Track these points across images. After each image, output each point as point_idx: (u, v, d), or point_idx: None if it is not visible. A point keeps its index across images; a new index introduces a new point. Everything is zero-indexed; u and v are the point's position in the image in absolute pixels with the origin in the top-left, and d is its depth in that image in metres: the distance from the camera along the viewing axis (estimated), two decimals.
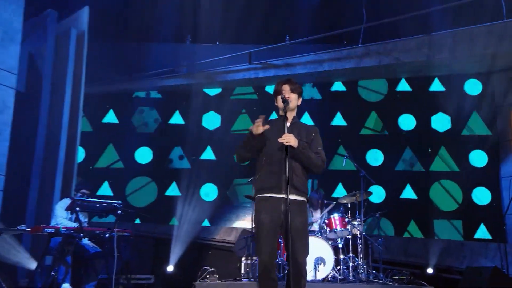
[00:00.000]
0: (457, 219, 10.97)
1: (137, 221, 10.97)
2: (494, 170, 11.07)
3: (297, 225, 4.31)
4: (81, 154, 11.47)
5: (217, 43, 11.81)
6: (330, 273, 7.46)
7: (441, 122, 11.45)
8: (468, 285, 7.35)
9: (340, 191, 11.01)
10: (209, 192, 11.49)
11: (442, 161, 11.32)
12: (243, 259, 8.32)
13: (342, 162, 8.92)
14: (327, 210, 8.48)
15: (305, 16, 10.78)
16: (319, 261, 7.41)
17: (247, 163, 4.87)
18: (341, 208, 8.52)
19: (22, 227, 6.86)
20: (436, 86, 11.58)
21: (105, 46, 11.19)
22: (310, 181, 10.95)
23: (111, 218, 7.08)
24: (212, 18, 10.73)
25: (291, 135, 4.41)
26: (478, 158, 11.22)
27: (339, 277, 7.44)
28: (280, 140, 4.35)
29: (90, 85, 10.39)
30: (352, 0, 10.62)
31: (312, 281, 7.15)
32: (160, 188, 11.52)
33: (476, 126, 11.36)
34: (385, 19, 10.59)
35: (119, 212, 6.50)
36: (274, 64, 11.34)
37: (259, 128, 4.41)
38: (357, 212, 8.25)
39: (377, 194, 11.03)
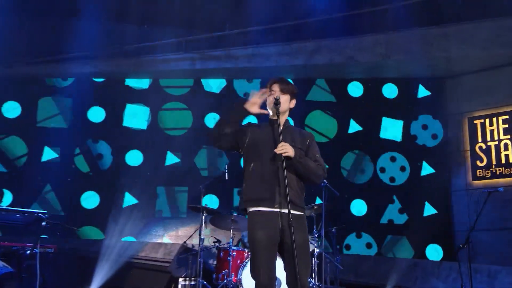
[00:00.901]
0: (406, 235, 10.18)
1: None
2: (443, 184, 10.37)
3: (299, 242, 3.97)
4: None
5: (146, 26, 10.17)
6: None
7: (391, 128, 10.59)
8: None
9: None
10: (129, 201, 9.91)
11: (389, 171, 10.50)
12: (180, 279, 7.75)
13: None
14: None
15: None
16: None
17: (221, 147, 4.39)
18: None
19: None
20: (389, 89, 10.71)
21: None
22: None
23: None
24: None
25: (287, 144, 4.08)
26: (427, 170, 10.48)
27: None
28: (277, 151, 4.02)
29: None
30: None
31: None
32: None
33: (425, 135, 10.60)
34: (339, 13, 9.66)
35: (44, 223, 5.59)
36: (213, 55, 9.92)
37: (255, 107, 4.17)
38: (315, 226, 7.57)
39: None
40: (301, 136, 4.37)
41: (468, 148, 10.23)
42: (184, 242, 8.85)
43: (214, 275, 7.26)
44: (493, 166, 9.94)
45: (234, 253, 7.13)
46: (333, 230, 8.04)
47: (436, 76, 10.61)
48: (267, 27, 9.74)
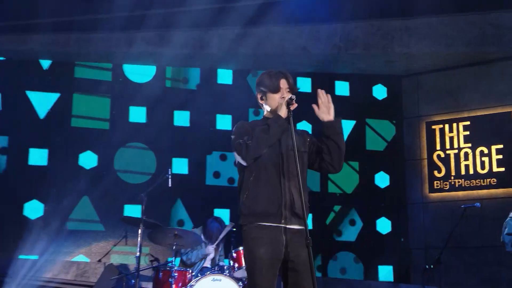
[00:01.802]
0: (357, 253, 9.15)
1: None
2: (397, 195, 9.39)
3: (304, 258, 3.57)
4: None
5: None
6: None
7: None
8: None
9: None
10: (34, 209, 8.31)
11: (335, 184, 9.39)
12: None
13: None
14: (222, 236, 6.95)
15: None
16: None
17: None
18: None
19: None
20: (341, 87, 9.54)
21: None
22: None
23: None
24: None
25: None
26: (380, 180, 9.45)
27: None
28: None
29: None
30: None
31: None
32: None
33: (378, 141, 9.57)
34: None
35: None
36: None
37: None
38: None
39: None
40: (301, 137, 4.01)
41: (425, 157, 9.28)
42: (99, 260, 7.86)
43: None
44: (452, 178, 9.05)
45: (176, 274, 6.12)
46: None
47: (393, 73, 9.58)
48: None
